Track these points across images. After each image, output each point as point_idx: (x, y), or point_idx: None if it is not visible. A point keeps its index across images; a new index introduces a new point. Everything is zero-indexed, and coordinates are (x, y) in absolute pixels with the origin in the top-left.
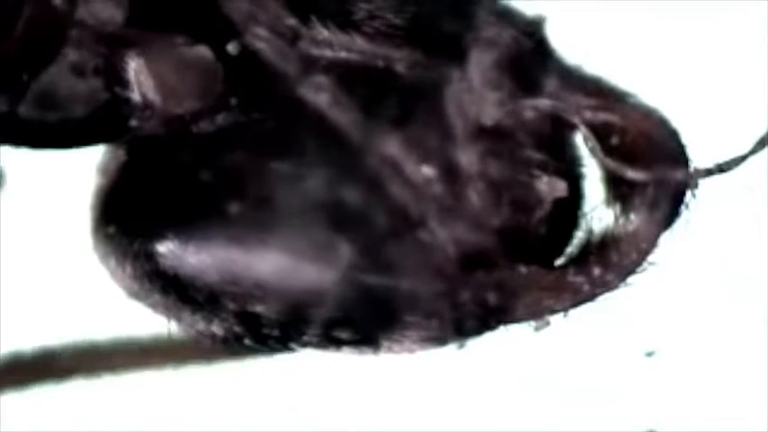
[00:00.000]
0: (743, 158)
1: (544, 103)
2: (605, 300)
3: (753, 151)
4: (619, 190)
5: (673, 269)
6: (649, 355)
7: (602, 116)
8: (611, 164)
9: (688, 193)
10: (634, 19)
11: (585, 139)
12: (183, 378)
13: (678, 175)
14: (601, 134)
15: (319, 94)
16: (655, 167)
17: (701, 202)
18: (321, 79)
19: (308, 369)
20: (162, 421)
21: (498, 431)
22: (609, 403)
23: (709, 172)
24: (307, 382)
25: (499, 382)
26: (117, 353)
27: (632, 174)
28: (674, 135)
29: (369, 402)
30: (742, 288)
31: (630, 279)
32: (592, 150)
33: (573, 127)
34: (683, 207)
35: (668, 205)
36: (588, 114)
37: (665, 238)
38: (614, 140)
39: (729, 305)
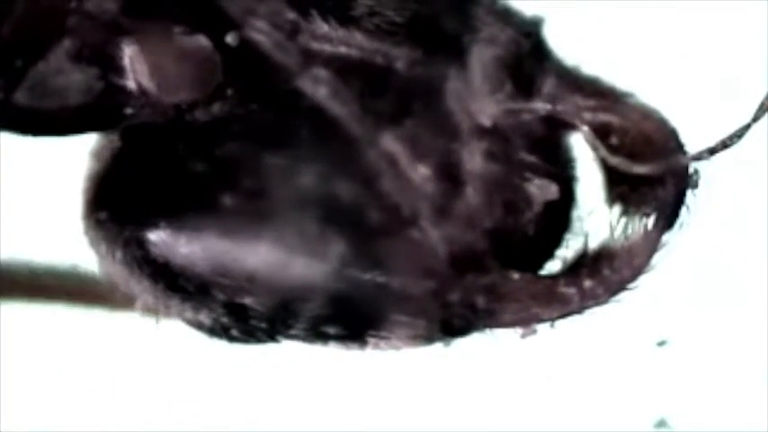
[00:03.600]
0: (746, 128)
1: (542, 106)
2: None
3: (755, 119)
4: (618, 193)
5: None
6: (661, 344)
7: (602, 117)
8: (616, 160)
9: (683, 210)
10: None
11: (587, 139)
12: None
13: (682, 161)
14: (600, 135)
15: (318, 87)
16: (657, 161)
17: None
18: (320, 72)
19: (306, 368)
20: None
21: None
22: (621, 393)
23: (712, 151)
24: (304, 380)
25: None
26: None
27: (637, 168)
28: (673, 134)
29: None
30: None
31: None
32: (594, 149)
33: (570, 128)
34: (679, 218)
35: (665, 216)
36: (587, 115)
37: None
38: (614, 140)
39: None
